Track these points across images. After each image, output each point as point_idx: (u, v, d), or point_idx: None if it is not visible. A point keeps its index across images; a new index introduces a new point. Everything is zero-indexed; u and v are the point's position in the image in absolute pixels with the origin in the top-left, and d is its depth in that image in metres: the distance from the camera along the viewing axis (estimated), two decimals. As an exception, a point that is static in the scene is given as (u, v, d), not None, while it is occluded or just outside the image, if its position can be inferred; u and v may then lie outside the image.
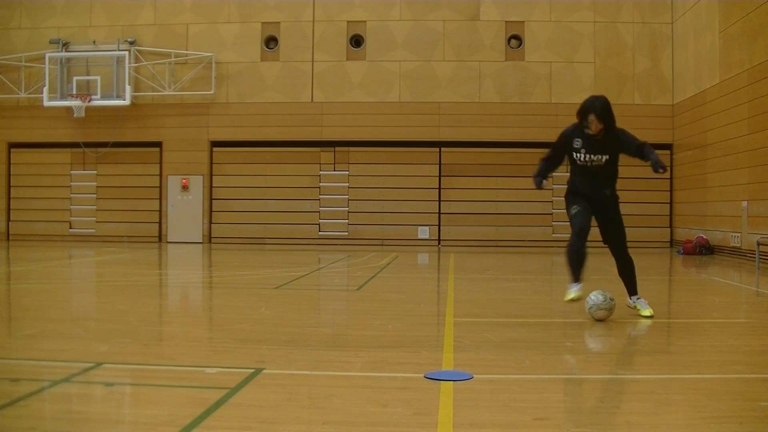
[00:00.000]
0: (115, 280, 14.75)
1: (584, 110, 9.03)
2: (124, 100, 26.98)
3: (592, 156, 9.14)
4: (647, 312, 9.50)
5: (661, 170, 8.78)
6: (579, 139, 9.20)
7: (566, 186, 9.65)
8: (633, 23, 26.85)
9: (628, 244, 9.65)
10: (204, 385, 6.04)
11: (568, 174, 9.58)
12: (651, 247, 24.68)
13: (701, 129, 23.75)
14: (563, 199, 9.70)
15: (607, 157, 9.16)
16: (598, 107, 8.94)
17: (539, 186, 9.67)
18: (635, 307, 9.61)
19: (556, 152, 9.54)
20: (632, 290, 9.67)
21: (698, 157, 24.08)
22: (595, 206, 9.35)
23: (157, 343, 8.07)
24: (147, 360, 7.02)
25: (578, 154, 9.22)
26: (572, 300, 9.20)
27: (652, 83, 26.80)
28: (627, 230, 9.62)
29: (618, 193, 9.53)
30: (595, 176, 9.29)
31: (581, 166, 9.29)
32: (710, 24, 22.86)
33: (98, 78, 26.91)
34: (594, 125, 8.97)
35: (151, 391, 5.88)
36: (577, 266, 9.30)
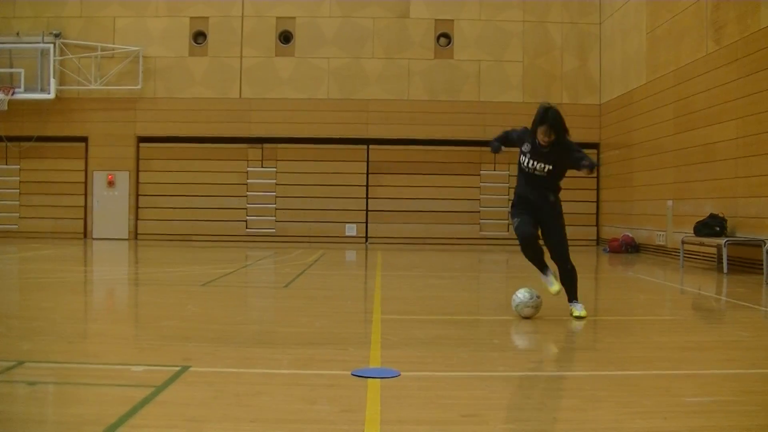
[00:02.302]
0: (39, 277, 14.55)
1: (536, 121, 9.08)
2: (49, 93, 26.53)
3: (536, 163, 9.22)
4: (578, 312, 9.42)
5: (586, 166, 8.88)
6: (528, 144, 9.28)
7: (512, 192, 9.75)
8: (562, 23, 27.11)
9: None
10: (129, 383, 5.97)
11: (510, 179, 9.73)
12: (577, 245, 24.88)
13: (628, 129, 24.05)
14: (507, 199, 9.79)
15: (551, 167, 9.23)
16: (549, 119, 8.97)
17: (497, 150, 9.71)
18: (571, 311, 9.50)
19: (514, 140, 9.58)
20: (572, 296, 9.58)
21: (624, 157, 24.39)
22: (538, 213, 9.43)
23: (82, 341, 7.98)
24: (71, 358, 6.92)
25: (524, 158, 9.31)
26: (557, 292, 9.53)
27: (580, 83, 27.09)
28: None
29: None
30: (539, 183, 9.35)
31: (524, 171, 9.38)
32: (637, 25, 23.15)
33: (22, 71, 26.37)
34: (544, 136, 9.02)
35: (75, 390, 5.80)
36: (538, 261, 9.56)
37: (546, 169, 9.23)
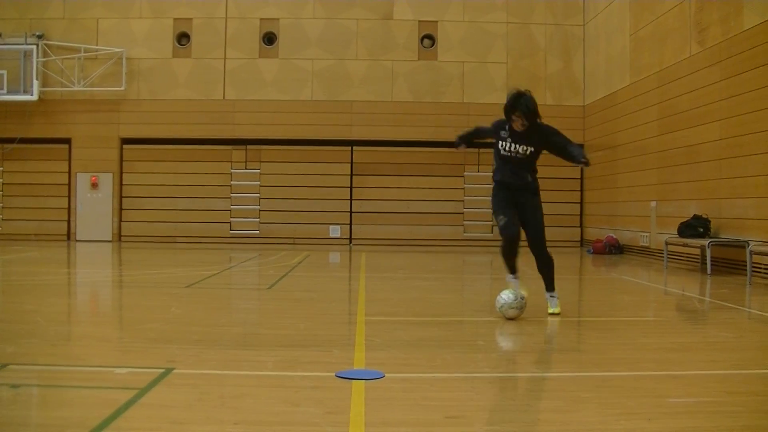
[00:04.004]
0: (22, 279, 14.48)
1: (510, 107, 9.16)
2: (32, 95, 26.42)
3: (517, 146, 9.30)
4: (552, 309, 9.74)
5: (582, 161, 9.00)
6: (505, 131, 9.37)
7: (492, 183, 9.79)
8: (545, 24, 27.17)
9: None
10: (113, 385, 5.95)
11: (490, 174, 9.76)
12: (562, 246, 24.95)
13: (612, 130, 24.11)
14: (490, 199, 9.80)
15: (532, 149, 9.34)
16: (523, 105, 9.07)
17: (458, 146, 10.01)
18: (548, 304, 9.81)
19: (487, 131, 9.71)
20: (549, 286, 9.87)
21: (609, 158, 24.42)
22: (518, 197, 9.51)
23: (66, 344, 7.95)
24: (55, 361, 6.89)
25: (503, 143, 9.36)
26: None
27: (564, 84, 27.15)
28: (539, 229, 9.73)
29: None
30: (518, 167, 9.43)
31: (504, 157, 9.43)
32: (621, 27, 23.21)
33: (5, 72, 26.25)
34: (519, 122, 9.07)
35: (59, 393, 5.78)
36: (512, 261, 9.74)
37: (528, 152, 9.35)
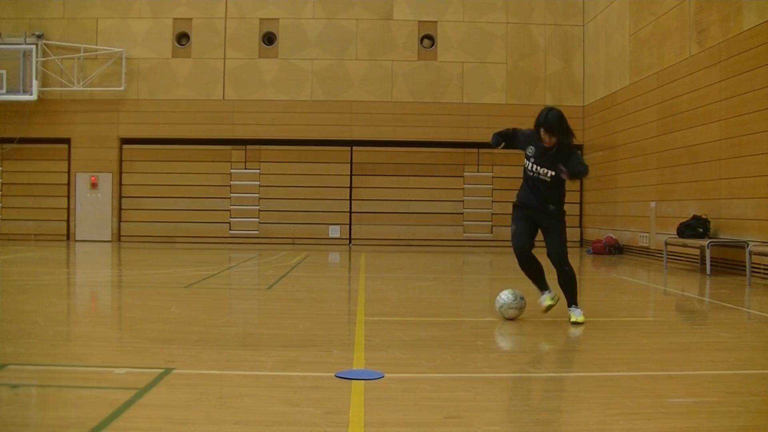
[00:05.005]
0: (21, 279, 14.46)
1: (537, 123, 8.93)
2: (31, 95, 26.38)
3: (539, 168, 9.06)
4: (576, 317, 9.14)
5: (564, 176, 8.84)
6: (533, 147, 9.10)
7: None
8: (545, 25, 27.17)
9: None
10: (113, 385, 5.94)
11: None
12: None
13: (611, 130, 24.11)
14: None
15: (553, 173, 9.03)
16: (548, 121, 8.82)
17: (496, 144, 9.42)
18: (569, 315, 9.22)
19: (518, 141, 9.32)
20: (571, 300, 9.30)
21: (608, 158, 24.43)
22: (539, 218, 9.28)
23: (65, 344, 7.94)
24: (54, 361, 6.89)
25: (528, 162, 9.15)
26: (549, 307, 9.46)
27: (564, 84, 27.14)
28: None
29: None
30: (542, 189, 9.17)
31: (528, 177, 9.23)
32: (621, 27, 23.21)
33: (4, 72, 26.23)
34: (546, 138, 8.89)
35: (58, 393, 5.78)
36: (535, 278, 9.50)
37: (549, 175, 9.05)
